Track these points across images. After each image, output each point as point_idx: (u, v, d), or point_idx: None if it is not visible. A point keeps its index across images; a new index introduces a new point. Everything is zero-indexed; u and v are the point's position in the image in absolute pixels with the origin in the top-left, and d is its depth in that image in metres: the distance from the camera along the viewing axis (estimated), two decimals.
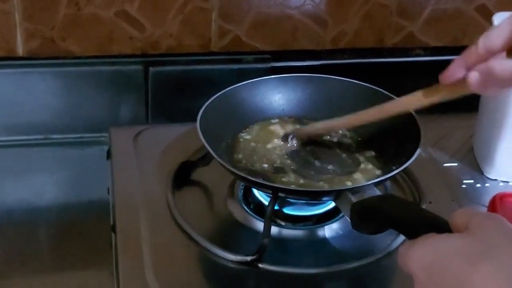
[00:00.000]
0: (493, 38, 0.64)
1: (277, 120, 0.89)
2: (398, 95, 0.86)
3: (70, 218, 0.92)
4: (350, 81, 0.89)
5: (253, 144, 0.85)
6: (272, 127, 0.88)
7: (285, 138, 0.86)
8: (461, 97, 0.68)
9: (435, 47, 1.11)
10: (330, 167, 0.82)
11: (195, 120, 0.81)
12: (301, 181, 0.80)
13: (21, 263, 0.84)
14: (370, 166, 0.83)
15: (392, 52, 1.10)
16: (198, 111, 0.82)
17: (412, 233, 0.55)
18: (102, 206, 0.88)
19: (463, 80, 0.66)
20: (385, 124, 0.85)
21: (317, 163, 0.83)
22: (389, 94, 0.87)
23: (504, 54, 0.64)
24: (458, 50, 1.09)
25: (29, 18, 0.97)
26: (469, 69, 0.65)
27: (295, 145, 0.84)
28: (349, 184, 0.79)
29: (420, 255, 0.49)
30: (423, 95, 0.72)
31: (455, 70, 0.67)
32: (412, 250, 0.50)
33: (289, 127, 0.88)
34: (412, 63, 1.11)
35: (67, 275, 0.84)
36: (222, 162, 0.76)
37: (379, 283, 0.77)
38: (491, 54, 0.64)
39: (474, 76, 0.64)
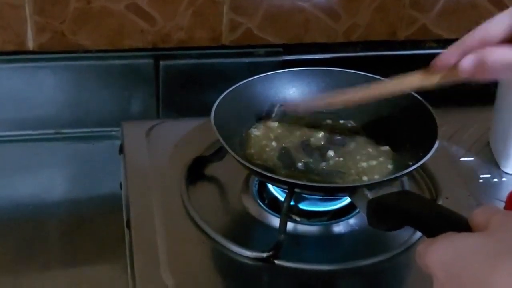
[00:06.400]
0: (491, 28, 0.65)
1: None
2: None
3: (80, 213, 0.91)
4: (365, 74, 0.88)
5: (264, 141, 0.85)
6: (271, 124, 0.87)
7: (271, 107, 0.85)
8: (454, 84, 0.69)
9: (448, 40, 1.10)
10: (342, 162, 0.81)
11: (206, 114, 0.80)
12: (314, 176, 0.79)
13: (31, 259, 0.84)
14: (384, 161, 0.82)
15: (405, 44, 1.09)
16: (209, 105, 0.81)
17: (431, 231, 0.54)
18: (113, 200, 0.88)
19: (456, 66, 0.67)
20: (400, 118, 0.84)
21: (329, 158, 0.82)
22: None
23: (498, 43, 0.64)
24: None
25: (40, 12, 0.96)
26: (463, 56, 0.66)
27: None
28: (365, 179, 0.78)
29: (440, 255, 0.49)
30: (421, 77, 0.73)
31: (449, 56, 0.68)
32: (431, 249, 0.50)
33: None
34: (425, 55, 1.09)
35: (77, 271, 0.83)
36: (238, 158, 0.75)
37: (396, 279, 0.77)
38: (486, 43, 0.65)
39: (466, 63, 0.66)
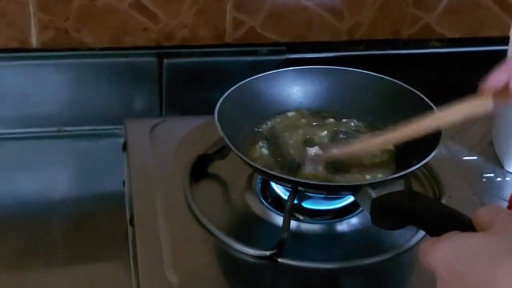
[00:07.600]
0: None
1: (293, 114, 0.88)
2: (415, 87, 0.85)
3: (83, 210, 0.92)
4: (368, 73, 0.88)
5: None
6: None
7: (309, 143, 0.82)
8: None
9: (452, 39, 1.10)
10: (345, 160, 0.81)
11: (209, 112, 0.80)
12: (319, 174, 0.79)
13: (34, 256, 0.84)
14: (387, 160, 0.82)
15: (408, 43, 1.09)
16: (213, 103, 0.81)
17: (434, 230, 0.54)
18: (116, 198, 0.88)
19: (506, 88, 0.63)
20: (404, 117, 0.84)
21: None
22: (407, 86, 0.86)
23: None
24: (474, 41, 1.11)
25: (43, 9, 0.96)
26: None
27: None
28: (368, 178, 0.78)
29: (443, 254, 0.49)
30: (470, 105, 0.68)
31: (498, 77, 0.64)
32: (434, 248, 0.49)
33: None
34: (428, 54, 1.10)
35: (80, 268, 0.84)
36: (242, 156, 0.75)
37: (398, 278, 0.77)
38: None
39: None
